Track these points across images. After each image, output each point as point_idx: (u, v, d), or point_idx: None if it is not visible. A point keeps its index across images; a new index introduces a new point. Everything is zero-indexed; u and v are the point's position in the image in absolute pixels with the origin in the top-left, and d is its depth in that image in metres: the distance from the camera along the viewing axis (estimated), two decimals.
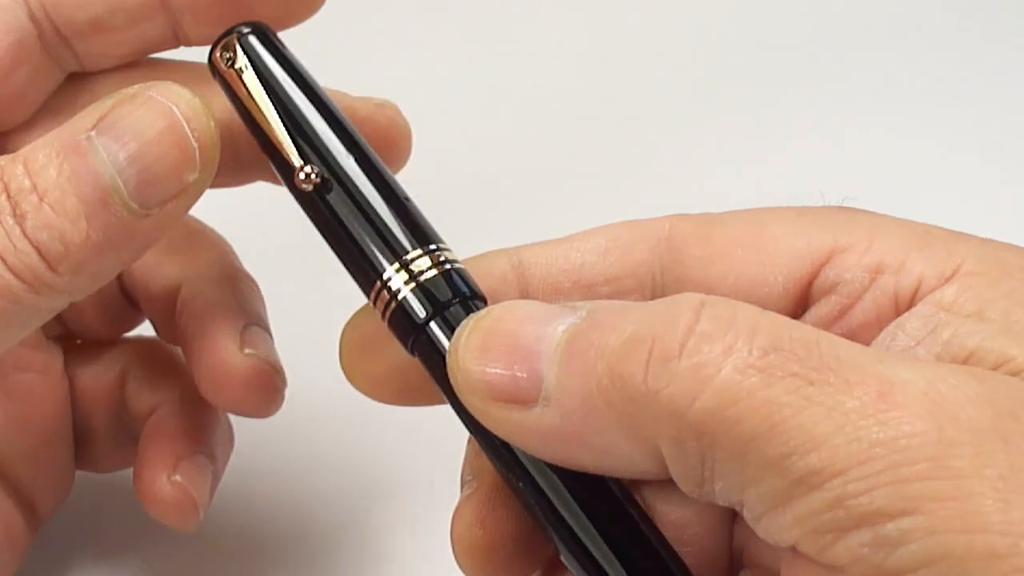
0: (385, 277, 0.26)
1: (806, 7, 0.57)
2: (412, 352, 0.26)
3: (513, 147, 0.51)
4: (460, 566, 0.26)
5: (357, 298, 0.27)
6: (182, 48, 0.31)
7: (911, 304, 0.24)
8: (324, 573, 0.37)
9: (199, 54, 0.29)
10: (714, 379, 0.21)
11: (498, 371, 0.23)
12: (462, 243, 0.28)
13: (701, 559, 0.25)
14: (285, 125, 0.27)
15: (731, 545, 0.26)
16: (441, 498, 0.28)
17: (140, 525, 0.35)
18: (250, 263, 0.34)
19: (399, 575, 0.37)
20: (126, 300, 0.34)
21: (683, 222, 0.27)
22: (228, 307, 0.32)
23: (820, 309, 0.25)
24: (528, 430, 0.23)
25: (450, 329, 0.25)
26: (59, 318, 0.32)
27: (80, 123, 0.26)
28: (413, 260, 0.26)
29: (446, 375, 0.25)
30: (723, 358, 0.21)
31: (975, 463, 0.19)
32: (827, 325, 0.25)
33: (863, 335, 0.24)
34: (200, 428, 0.33)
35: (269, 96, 0.27)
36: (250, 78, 0.27)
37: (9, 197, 0.25)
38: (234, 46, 0.28)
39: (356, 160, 0.27)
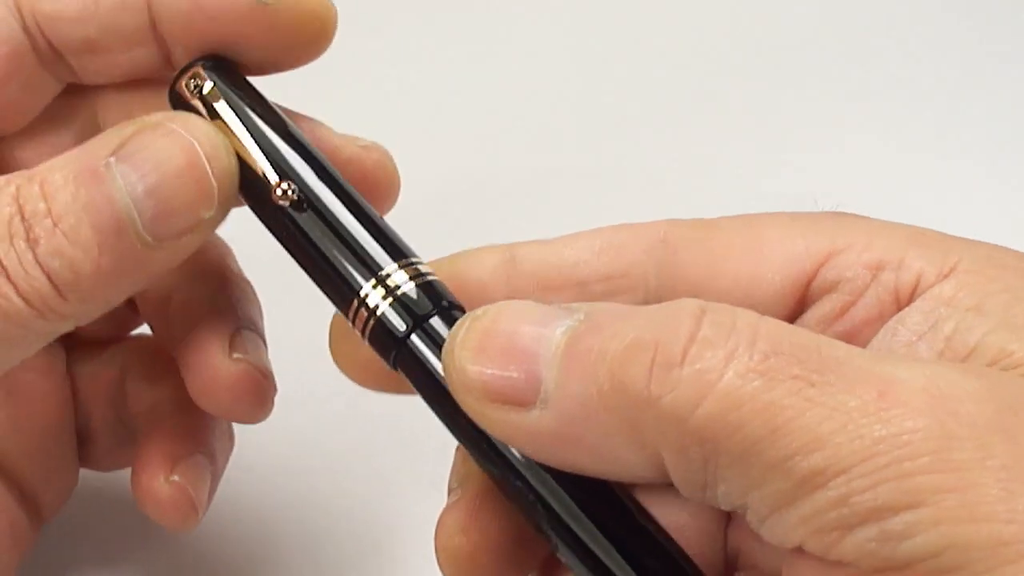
0: (363, 294, 0.26)
1: (804, 8, 0.57)
2: (395, 367, 0.26)
3: (511, 147, 0.51)
4: (444, 575, 0.26)
5: None
6: None
7: (911, 300, 0.24)
8: (325, 574, 0.38)
9: None
10: (716, 385, 0.21)
11: (495, 372, 0.23)
12: (459, 244, 0.28)
13: (697, 563, 0.25)
14: (259, 145, 0.27)
15: (726, 548, 0.26)
16: (441, 499, 0.28)
17: (140, 526, 0.35)
18: (251, 266, 0.34)
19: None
20: (126, 302, 0.33)
21: (678, 226, 0.27)
22: (219, 311, 0.31)
23: (821, 308, 0.25)
24: (525, 432, 0.23)
25: (431, 341, 0.25)
26: None
27: (99, 147, 0.26)
28: (389, 276, 0.26)
29: (431, 387, 0.25)
30: (725, 364, 0.21)
31: (977, 455, 0.20)
32: (829, 323, 0.25)
33: (866, 331, 0.25)
34: (199, 427, 0.33)
35: (241, 119, 0.28)
36: (220, 104, 0.28)
37: (24, 219, 0.25)
38: (201, 75, 0.28)
39: (327, 179, 0.27)
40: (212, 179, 0.26)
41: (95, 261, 0.25)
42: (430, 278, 0.26)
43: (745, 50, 0.56)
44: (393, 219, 0.28)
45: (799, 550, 0.21)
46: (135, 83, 0.30)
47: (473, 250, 0.28)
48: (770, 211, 0.27)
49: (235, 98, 0.28)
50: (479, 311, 0.24)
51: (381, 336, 0.26)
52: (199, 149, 0.26)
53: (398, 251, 0.26)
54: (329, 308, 0.29)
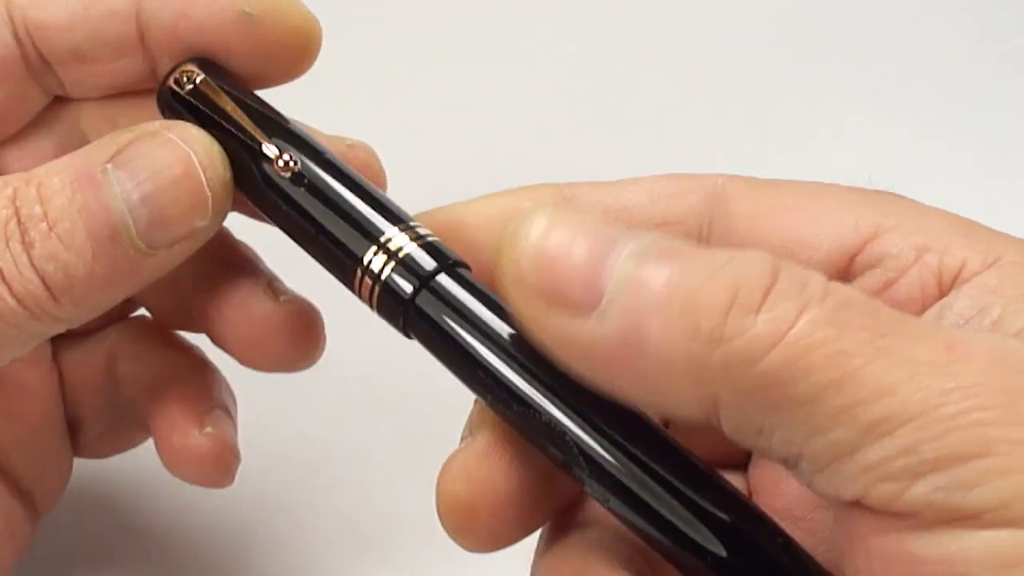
0: (366, 261, 0.26)
1: (805, 7, 0.57)
2: (407, 333, 0.26)
3: (511, 148, 0.51)
4: (443, 525, 0.25)
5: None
6: None
7: (952, 286, 0.25)
8: (325, 569, 0.38)
9: None
10: (789, 332, 0.21)
11: (558, 270, 0.22)
12: None
13: None
14: (256, 123, 0.28)
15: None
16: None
17: (140, 526, 0.36)
18: None
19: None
20: None
21: (735, 181, 0.27)
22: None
23: (864, 281, 0.26)
24: (578, 341, 0.22)
25: (439, 299, 0.25)
26: None
27: (97, 153, 0.27)
28: (391, 239, 0.26)
29: (445, 347, 0.25)
30: (798, 314, 0.21)
31: None
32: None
33: (908, 309, 0.25)
34: (209, 387, 0.33)
35: (236, 102, 0.28)
36: (214, 91, 0.28)
37: (20, 222, 0.26)
38: (192, 70, 0.29)
39: (322, 153, 0.28)
40: (207, 189, 0.27)
41: (89, 266, 0.26)
42: (431, 239, 0.26)
43: (747, 49, 0.56)
44: None
45: (856, 503, 0.21)
46: (120, 95, 0.30)
47: (530, 186, 0.28)
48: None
49: (228, 86, 0.29)
50: (546, 210, 0.23)
51: (389, 302, 0.26)
52: (195, 159, 0.27)
53: (396, 217, 0.27)
54: (327, 304, 0.30)
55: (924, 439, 0.20)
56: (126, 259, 0.26)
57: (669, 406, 0.23)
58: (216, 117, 0.28)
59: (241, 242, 0.33)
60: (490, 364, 0.24)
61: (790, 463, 0.22)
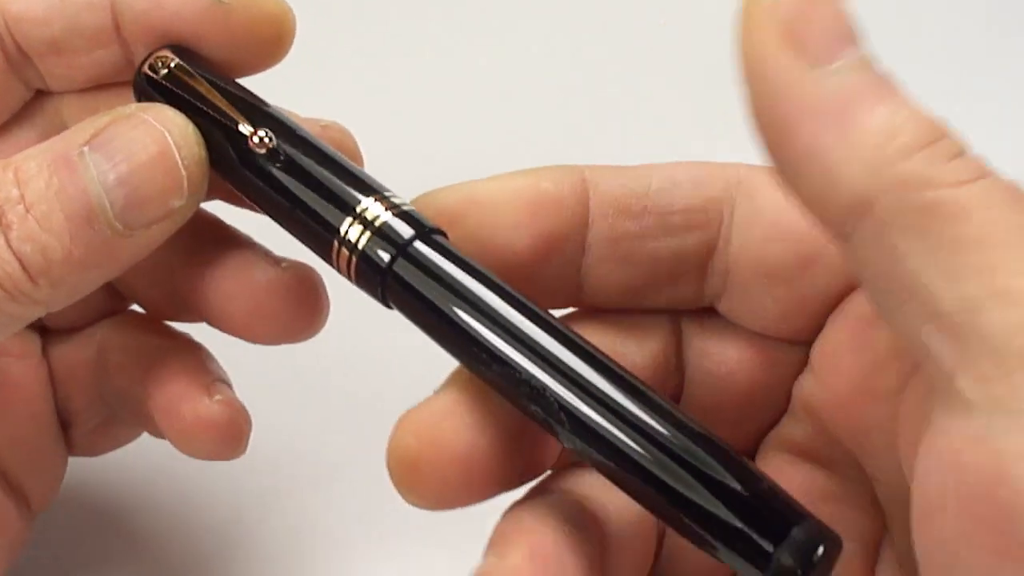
0: (343, 232, 0.26)
1: None
2: (386, 303, 0.26)
3: (509, 147, 0.50)
4: (394, 484, 0.25)
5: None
6: None
7: None
8: (325, 569, 0.38)
9: None
10: (977, 181, 0.21)
11: (811, 13, 0.21)
12: None
13: (745, 399, 0.27)
14: (231, 102, 0.28)
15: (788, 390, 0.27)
16: None
17: (137, 526, 0.36)
18: None
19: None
20: (105, 291, 0.33)
21: (755, 170, 0.27)
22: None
23: None
24: (796, 87, 0.21)
25: (417, 265, 0.25)
26: None
27: (74, 137, 0.27)
28: (366, 209, 0.26)
29: (425, 312, 0.25)
30: (986, 174, 0.21)
31: None
32: None
33: None
34: (205, 362, 0.33)
35: (210, 83, 0.29)
36: (188, 75, 0.29)
37: None
38: (167, 55, 0.29)
39: (296, 129, 0.28)
40: (182, 168, 0.27)
41: (66, 248, 0.26)
42: (406, 208, 0.26)
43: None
44: None
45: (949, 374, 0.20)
46: (100, 87, 0.31)
47: (548, 167, 0.28)
48: None
49: (202, 68, 0.29)
50: None
51: (367, 272, 0.26)
52: (170, 139, 0.27)
53: (371, 188, 0.27)
54: None
55: None
56: (103, 240, 0.26)
57: (815, 188, 0.22)
58: (191, 99, 0.28)
59: (231, 225, 0.33)
60: (469, 326, 0.25)
61: (900, 296, 0.21)
